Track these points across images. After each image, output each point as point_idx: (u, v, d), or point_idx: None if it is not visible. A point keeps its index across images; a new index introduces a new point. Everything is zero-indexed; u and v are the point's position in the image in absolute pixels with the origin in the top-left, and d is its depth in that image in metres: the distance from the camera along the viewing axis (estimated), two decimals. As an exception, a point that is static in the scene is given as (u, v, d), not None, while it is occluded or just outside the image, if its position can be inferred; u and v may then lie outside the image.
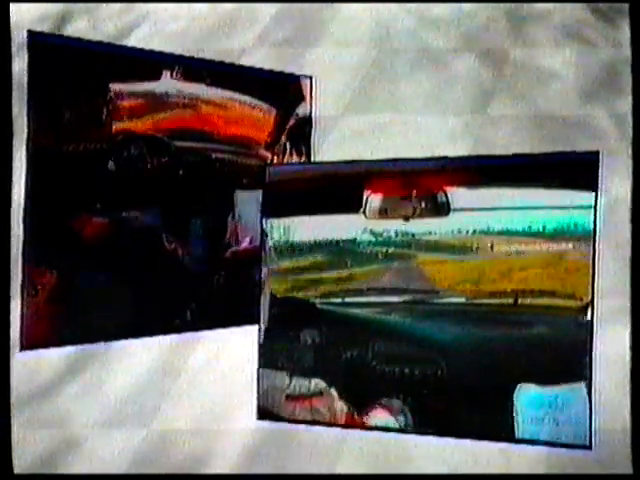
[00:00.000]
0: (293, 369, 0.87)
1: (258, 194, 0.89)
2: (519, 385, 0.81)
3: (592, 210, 0.82)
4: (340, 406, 0.85)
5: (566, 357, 0.81)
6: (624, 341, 0.84)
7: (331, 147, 0.91)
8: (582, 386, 0.81)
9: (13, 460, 0.85)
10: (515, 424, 0.81)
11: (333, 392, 0.86)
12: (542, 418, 0.81)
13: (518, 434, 0.81)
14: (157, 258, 0.88)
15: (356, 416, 0.85)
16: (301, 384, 0.86)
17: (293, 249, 0.88)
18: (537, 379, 0.81)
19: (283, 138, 0.93)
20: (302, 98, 0.93)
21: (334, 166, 0.89)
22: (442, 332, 0.84)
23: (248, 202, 0.91)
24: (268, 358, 0.87)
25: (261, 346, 0.88)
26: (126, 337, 0.86)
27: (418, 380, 0.84)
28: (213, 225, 0.91)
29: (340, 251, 0.87)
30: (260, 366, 0.87)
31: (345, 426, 0.85)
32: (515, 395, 0.81)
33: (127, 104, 0.87)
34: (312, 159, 0.92)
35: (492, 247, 0.84)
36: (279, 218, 0.89)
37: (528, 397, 0.81)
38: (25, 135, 0.84)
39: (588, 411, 0.80)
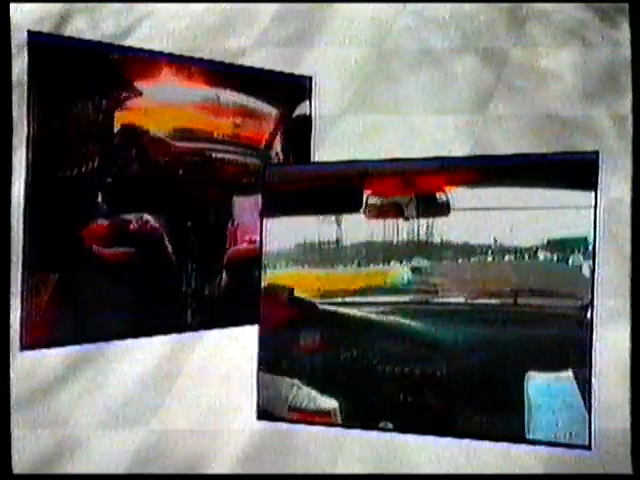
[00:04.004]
0: (295, 374, 0.87)
1: (258, 196, 0.90)
2: (523, 385, 0.81)
3: (592, 210, 0.82)
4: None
5: (566, 357, 0.81)
6: (624, 341, 0.84)
7: (331, 147, 0.91)
8: (582, 386, 0.81)
9: (12, 460, 0.85)
10: (521, 424, 0.81)
11: (338, 412, 0.86)
12: (544, 418, 0.81)
13: (527, 434, 0.81)
14: (157, 258, 0.88)
15: (356, 416, 0.85)
16: (307, 399, 0.86)
17: (293, 249, 0.88)
18: (536, 379, 0.81)
19: (283, 138, 0.94)
20: (302, 98, 0.93)
21: (334, 166, 0.89)
22: (442, 332, 0.84)
23: (246, 205, 0.91)
24: (268, 359, 0.88)
25: (261, 347, 0.88)
26: (126, 337, 0.86)
27: (418, 380, 0.84)
28: (213, 224, 0.91)
29: (340, 251, 0.87)
30: (260, 368, 0.87)
31: (345, 426, 0.85)
32: (518, 395, 0.81)
33: (127, 104, 0.87)
34: (312, 159, 0.92)
35: (492, 247, 0.84)
36: (279, 218, 0.89)
37: (531, 397, 0.81)
38: (25, 135, 0.84)
39: (588, 411, 0.81)
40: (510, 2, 0.96)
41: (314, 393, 0.86)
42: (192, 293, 0.89)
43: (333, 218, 0.87)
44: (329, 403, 0.86)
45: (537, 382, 0.81)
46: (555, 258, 0.82)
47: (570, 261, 0.82)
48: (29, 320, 0.83)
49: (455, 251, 0.84)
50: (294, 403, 0.86)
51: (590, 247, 0.82)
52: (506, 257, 0.83)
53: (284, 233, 0.88)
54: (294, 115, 0.94)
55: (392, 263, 0.86)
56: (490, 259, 0.83)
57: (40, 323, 0.84)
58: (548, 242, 0.82)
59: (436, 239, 0.85)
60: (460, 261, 0.84)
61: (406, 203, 0.86)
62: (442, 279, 0.85)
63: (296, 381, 0.87)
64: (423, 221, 0.85)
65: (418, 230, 0.85)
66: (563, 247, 0.82)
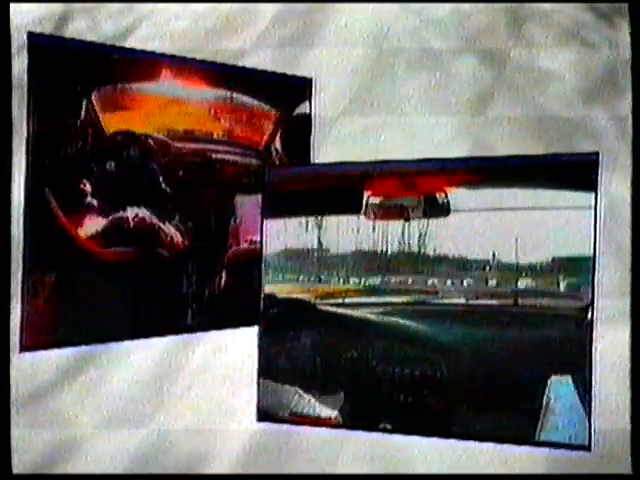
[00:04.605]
0: (295, 377, 0.87)
1: (258, 197, 0.90)
2: (522, 386, 0.81)
3: (592, 211, 0.82)
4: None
5: (566, 358, 0.81)
6: (624, 342, 0.84)
7: (331, 148, 0.91)
8: (582, 387, 0.81)
9: (12, 460, 0.85)
10: (522, 426, 0.81)
11: (339, 413, 0.86)
12: (544, 419, 0.81)
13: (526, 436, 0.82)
14: (157, 259, 0.88)
15: (357, 417, 0.86)
16: (308, 405, 0.86)
17: (293, 251, 0.88)
18: (536, 380, 0.81)
19: (283, 139, 0.94)
20: (302, 99, 0.93)
21: (334, 167, 0.89)
22: (442, 333, 0.84)
23: (248, 205, 0.91)
24: (268, 362, 0.88)
25: (261, 348, 0.88)
26: (126, 339, 0.86)
27: (418, 380, 0.84)
28: (213, 225, 0.91)
29: (340, 252, 0.87)
30: (260, 369, 0.87)
31: (345, 426, 0.85)
32: (518, 396, 0.81)
33: (127, 105, 0.87)
34: (312, 160, 0.92)
35: (491, 247, 0.84)
36: (279, 219, 0.89)
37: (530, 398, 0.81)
38: (25, 136, 0.84)
39: (588, 412, 0.81)
40: (510, 2, 0.96)
41: (315, 397, 0.86)
42: (192, 294, 0.89)
43: (333, 222, 0.87)
44: (330, 406, 0.86)
45: (537, 383, 0.81)
46: (554, 258, 0.82)
47: (569, 261, 0.82)
48: (29, 321, 0.83)
49: (455, 252, 0.84)
50: (295, 409, 0.86)
51: (590, 247, 0.82)
52: (506, 257, 0.83)
53: (284, 235, 0.89)
54: (294, 116, 0.94)
55: (392, 264, 0.86)
56: (489, 259, 0.83)
57: (40, 324, 0.84)
58: (547, 242, 0.82)
59: (436, 240, 0.85)
60: (460, 261, 0.84)
61: (407, 204, 0.86)
62: (442, 279, 0.85)
63: (296, 386, 0.87)
64: (423, 222, 0.85)
65: (418, 231, 0.85)
66: (562, 247, 0.82)
